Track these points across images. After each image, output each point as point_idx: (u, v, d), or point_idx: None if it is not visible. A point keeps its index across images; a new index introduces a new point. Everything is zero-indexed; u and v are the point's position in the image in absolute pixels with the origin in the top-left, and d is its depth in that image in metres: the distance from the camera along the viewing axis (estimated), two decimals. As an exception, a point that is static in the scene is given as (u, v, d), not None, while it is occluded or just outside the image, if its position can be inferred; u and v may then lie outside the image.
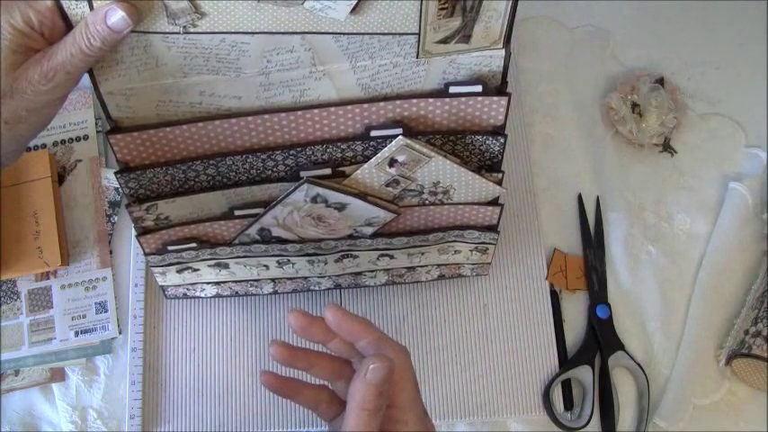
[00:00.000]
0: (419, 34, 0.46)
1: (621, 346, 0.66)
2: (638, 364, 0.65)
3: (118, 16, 0.41)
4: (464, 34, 0.46)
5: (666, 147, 0.74)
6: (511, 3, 0.45)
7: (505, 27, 0.46)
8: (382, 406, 0.41)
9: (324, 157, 0.52)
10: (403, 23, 0.45)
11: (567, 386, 0.65)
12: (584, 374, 0.64)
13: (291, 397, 0.47)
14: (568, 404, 0.64)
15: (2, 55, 0.42)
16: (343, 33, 0.45)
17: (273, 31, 0.45)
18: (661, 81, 0.75)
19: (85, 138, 0.70)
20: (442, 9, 0.44)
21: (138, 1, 0.42)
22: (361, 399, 0.40)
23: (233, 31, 0.44)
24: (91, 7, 0.42)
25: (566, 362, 0.66)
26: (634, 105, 0.73)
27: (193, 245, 0.57)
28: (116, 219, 0.68)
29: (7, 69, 0.43)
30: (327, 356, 0.47)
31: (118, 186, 0.65)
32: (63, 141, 0.70)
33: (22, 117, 0.45)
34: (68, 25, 0.43)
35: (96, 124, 0.70)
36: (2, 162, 0.48)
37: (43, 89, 0.43)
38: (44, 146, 0.69)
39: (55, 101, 0.45)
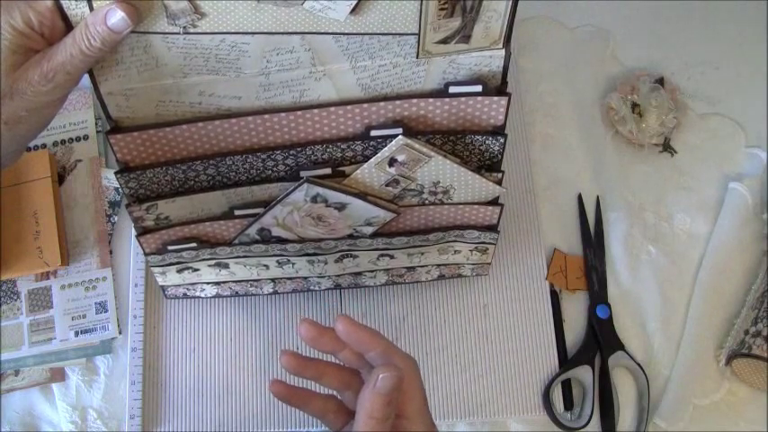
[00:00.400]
0: (419, 34, 0.46)
1: (621, 346, 0.66)
2: (638, 364, 0.65)
3: (118, 17, 0.41)
4: (464, 34, 0.46)
5: (666, 147, 0.74)
6: (511, 3, 0.45)
7: (505, 27, 0.46)
8: (390, 415, 0.42)
9: (324, 156, 0.52)
10: (403, 24, 0.45)
11: (567, 386, 0.65)
12: (584, 374, 0.64)
13: (300, 406, 0.48)
14: (568, 404, 0.65)
15: (2, 56, 0.42)
16: (343, 34, 0.45)
17: (273, 31, 0.45)
18: (661, 81, 0.75)
19: (85, 138, 0.70)
20: (442, 9, 0.44)
21: (138, 1, 0.42)
22: (370, 407, 0.41)
23: (233, 31, 0.44)
24: (91, 8, 0.42)
25: (566, 362, 0.66)
26: (634, 105, 0.73)
27: (193, 245, 0.57)
28: (116, 219, 0.68)
29: (7, 70, 0.43)
30: (336, 366, 0.47)
31: (118, 186, 0.65)
32: (63, 141, 0.70)
33: (21, 118, 0.45)
34: (68, 26, 0.43)
35: (96, 124, 0.70)
36: (2, 162, 0.48)
37: (43, 90, 0.43)
38: (44, 146, 0.69)
39: (55, 101, 0.45)
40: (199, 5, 0.43)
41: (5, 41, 0.42)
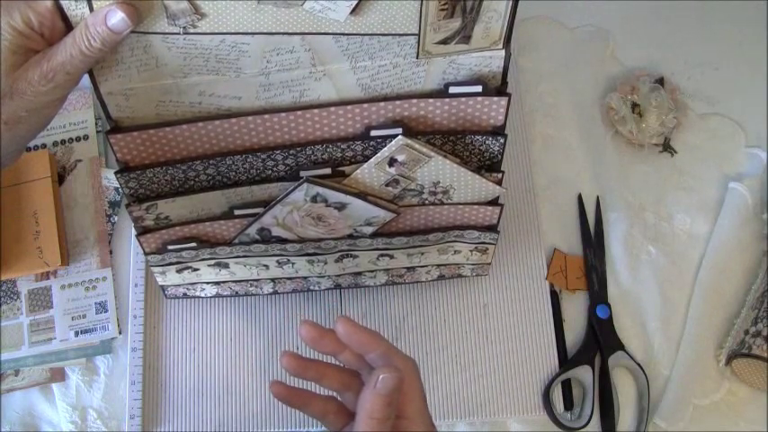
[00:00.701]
0: (419, 35, 0.46)
1: (621, 346, 0.66)
2: (638, 364, 0.65)
3: (118, 17, 0.41)
4: (464, 35, 0.46)
5: (666, 147, 0.74)
6: (511, 3, 0.45)
7: (505, 28, 0.46)
8: (391, 415, 0.42)
9: (324, 156, 0.52)
10: (403, 24, 0.45)
11: (567, 386, 0.65)
12: (584, 374, 0.64)
13: (300, 407, 0.48)
14: (568, 404, 0.65)
15: (2, 56, 0.42)
16: (343, 34, 0.45)
17: (273, 31, 0.45)
18: (661, 81, 0.75)
19: (85, 138, 0.70)
20: (443, 10, 0.44)
21: (138, 2, 0.42)
22: (370, 408, 0.41)
23: (233, 31, 0.44)
24: (91, 8, 0.42)
25: (566, 362, 0.66)
26: (634, 105, 0.73)
27: (193, 244, 0.57)
28: (116, 219, 0.68)
29: (7, 70, 0.43)
30: (337, 368, 0.47)
31: (118, 186, 0.65)
32: (63, 141, 0.70)
33: (21, 118, 0.45)
34: (68, 26, 0.43)
35: (96, 124, 0.70)
36: (2, 162, 0.48)
37: (43, 90, 0.43)
38: (44, 146, 0.69)
39: (54, 101, 0.45)
40: (199, 6, 0.43)
41: (5, 42, 0.42)
